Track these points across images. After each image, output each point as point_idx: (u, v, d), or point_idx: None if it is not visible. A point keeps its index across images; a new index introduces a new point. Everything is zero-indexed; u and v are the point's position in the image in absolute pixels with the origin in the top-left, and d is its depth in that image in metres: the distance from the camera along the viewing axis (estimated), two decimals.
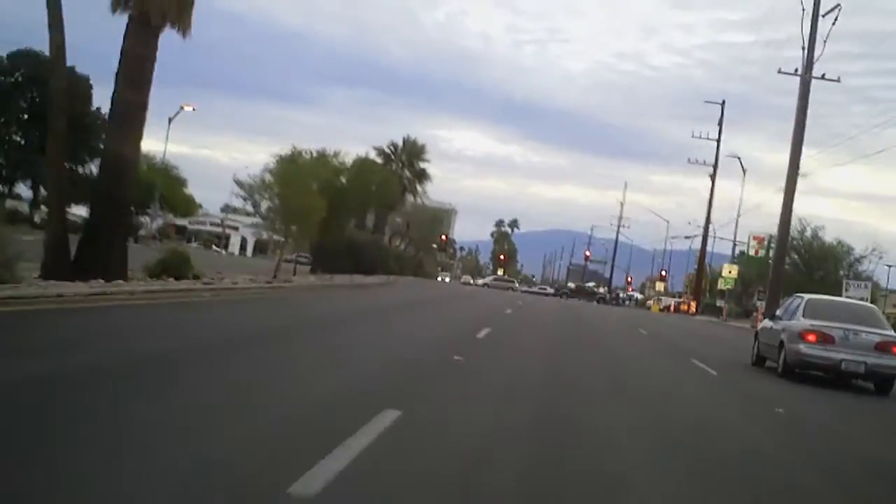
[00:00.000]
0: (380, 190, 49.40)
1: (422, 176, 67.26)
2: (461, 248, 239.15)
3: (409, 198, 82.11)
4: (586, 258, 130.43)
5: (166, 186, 65.88)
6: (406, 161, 65.48)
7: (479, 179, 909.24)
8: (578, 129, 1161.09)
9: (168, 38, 19.81)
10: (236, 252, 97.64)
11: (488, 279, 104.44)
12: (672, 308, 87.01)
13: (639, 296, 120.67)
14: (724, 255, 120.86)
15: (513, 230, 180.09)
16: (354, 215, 53.52)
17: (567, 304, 61.51)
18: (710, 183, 77.68)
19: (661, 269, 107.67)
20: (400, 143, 66.40)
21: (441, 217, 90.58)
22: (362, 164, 46.87)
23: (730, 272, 66.44)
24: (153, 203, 65.83)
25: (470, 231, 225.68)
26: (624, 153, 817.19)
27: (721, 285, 68.07)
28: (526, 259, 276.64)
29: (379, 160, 63.36)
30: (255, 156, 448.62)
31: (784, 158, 44.12)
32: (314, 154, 44.07)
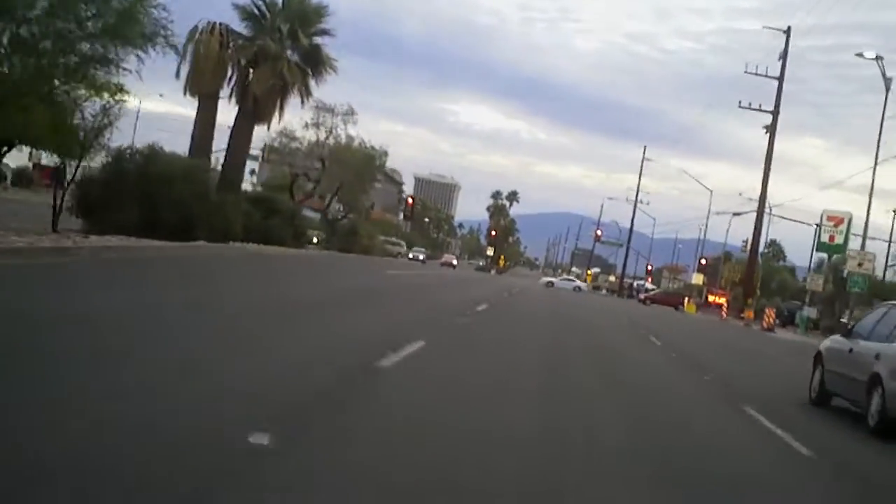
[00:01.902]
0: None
1: (316, 59, 35.39)
2: (460, 226, 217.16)
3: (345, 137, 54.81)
4: (597, 238, 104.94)
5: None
6: (288, 32, 34.43)
7: (486, 156, 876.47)
8: (587, 108, 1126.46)
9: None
10: None
11: None
12: (724, 310, 60.27)
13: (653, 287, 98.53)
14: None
15: (511, 204, 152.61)
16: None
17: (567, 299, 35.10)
18: (767, 146, 54.17)
19: (700, 257, 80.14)
20: (279, 1, 35.23)
21: (379, 158, 57.85)
22: None
23: (860, 265, 36.77)
24: None
25: (476, 209, 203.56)
26: (633, 136, 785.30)
27: (847, 287, 37.90)
28: (530, 241, 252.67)
29: (244, 32, 35.49)
30: None
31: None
32: None
